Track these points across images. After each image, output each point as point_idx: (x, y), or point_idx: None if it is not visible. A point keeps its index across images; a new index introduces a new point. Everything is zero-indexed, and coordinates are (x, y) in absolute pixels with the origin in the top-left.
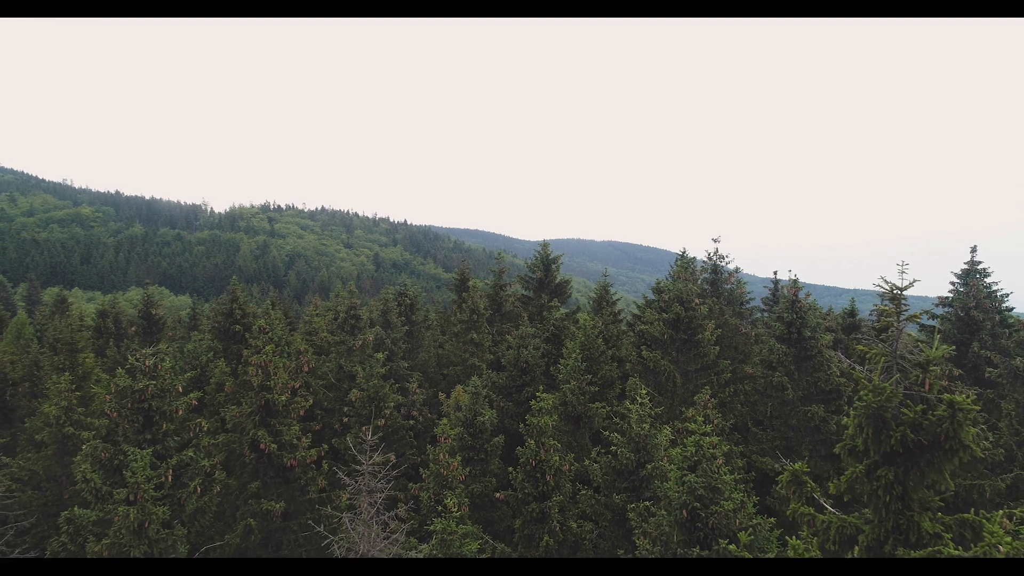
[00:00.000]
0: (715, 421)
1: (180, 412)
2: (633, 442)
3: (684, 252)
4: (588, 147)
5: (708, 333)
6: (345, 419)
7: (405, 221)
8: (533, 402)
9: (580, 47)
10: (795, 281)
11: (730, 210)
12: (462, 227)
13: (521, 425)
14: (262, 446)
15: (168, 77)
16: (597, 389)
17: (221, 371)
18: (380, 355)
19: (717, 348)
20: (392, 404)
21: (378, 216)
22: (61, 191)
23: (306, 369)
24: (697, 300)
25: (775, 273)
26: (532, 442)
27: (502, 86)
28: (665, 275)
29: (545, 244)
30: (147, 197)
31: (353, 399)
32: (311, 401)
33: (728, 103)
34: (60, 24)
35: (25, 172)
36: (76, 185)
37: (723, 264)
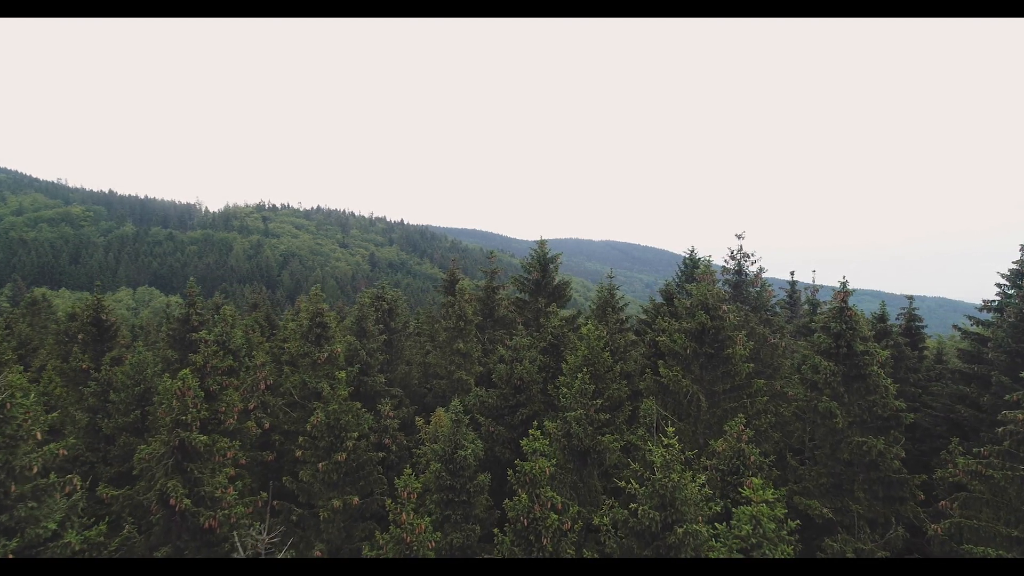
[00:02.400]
0: (752, 458)
1: (35, 469)
2: (657, 494)
3: (693, 251)
4: (586, 146)
5: (739, 347)
6: (299, 452)
7: (402, 221)
8: (525, 441)
9: (578, 47)
10: (844, 285)
11: (730, 210)
12: (460, 227)
13: (511, 472)
14: (172, 501)
15: (167, 77)
16: (607, 416)
17: (166, 389)
18: (342, 374)
19: (751, 365)
20: (356, 434)
21: (374, 216)
22: (53, 190)
23: (263, 386)
24: (724, 306)
25: (792, 274)
26: (524, 495)
27: (501, 85)
28: (671, 276)
29: (542, 242)
30: (141, 197)
31: (309, 427)
32: (268, 424)
33: (727, 103)
34: (59, 24)
35: (19, 171)
36: (71, 185)
37: (748, 264)
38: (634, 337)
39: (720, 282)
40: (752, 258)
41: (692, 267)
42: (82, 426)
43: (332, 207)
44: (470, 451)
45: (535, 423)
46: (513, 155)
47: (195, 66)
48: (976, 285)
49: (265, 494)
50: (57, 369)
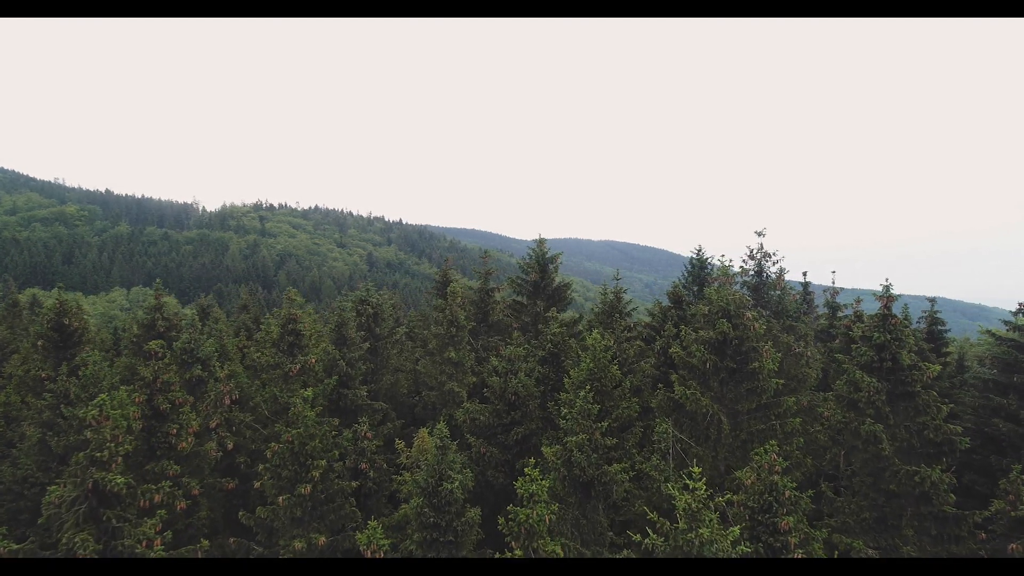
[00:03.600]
0: (788, 493)
1: None
2: (681, 551)
3: (700, 250)
4: (585, 146)
5: (767, 360)
6: (258, 483)
7: (400, 220)
8: (520, 482)
9: (577, 46)
10: (887, 289)
11: (729, 209)
12: (459, 226)
13: (502, 520)
14: (81, 556)
15: (169, 77)
16: (614, 441)
17: (121, 402)
18: (308, 392)
19: (779, 382)
20: (324, 462)
21: (373, 215)
22: (48, 189)
23: (228, 401)
24: (748, 313)
25: (804, 275)
26: (518, 550)
27: (500, 85)
28: (671, 276)
29: (540, 241)
30: (138, 196)
31: (269, 455)
32: (231, 445)
33: (726, 103)
34: (59, 24)
35: (15, 171)
36: (68, 184)
37: (769, 264)
38: (642, 345)
39: (737, 284)
40: (774, 258)
41: (700, 268)
42: (33, 443)
43: (330, 207)
44: (457, 484)
45: (532, 443)
46: (512, 155)
47: (197, 66)
48: (980, 285)
49: (207, 542)
50: (17, 378)
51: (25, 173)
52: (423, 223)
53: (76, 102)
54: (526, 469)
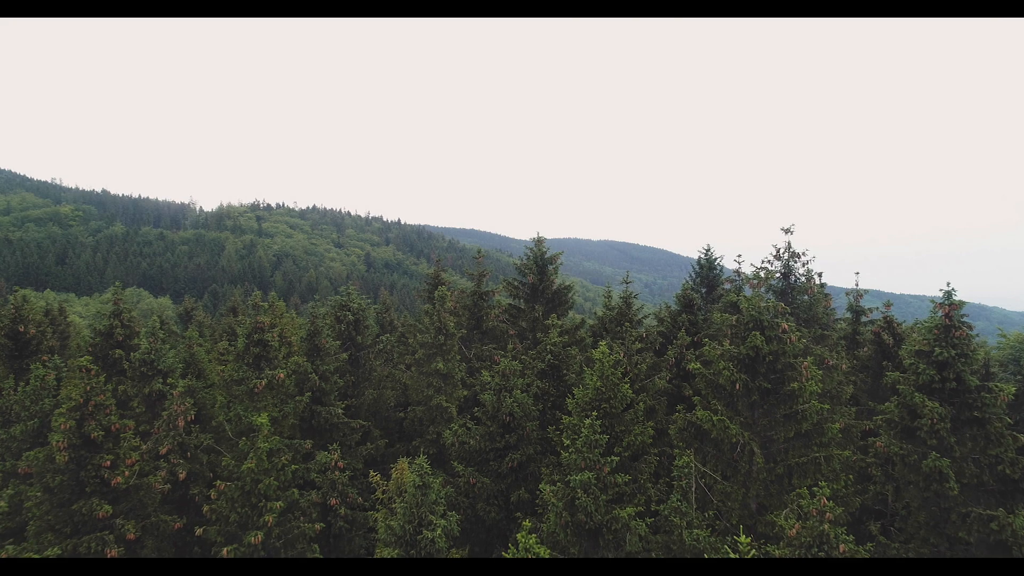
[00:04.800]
0: (843, 548)
1: None
2: None
3: (708, 250)
4: (585, 146)
5: (809, 381)
6: (200, 530)
7: (399, 220)
8: (511, 551)
9: (577, 47)
10: (949, 295)
11: (729, 209)
12: (457, 227)
13: (505, 551)
14: None
15: (167, 77)
16: (626, 479)
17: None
18: (263, 418)
19: (825, 407)
20: (280, 505)
21: (371, 215)
22: (44, 189)
23: (182, 423)
24: (785, 324)
25: (820, 276)
26: None
27: (500, 85)
28: (671, 276)
29: (539, 240)
30: (135, 197)
31: (214, 495)
32: (184, 474)
33: (725, 103)
34: (58, 24)
35: (11, 171)
36: (66, 185)
37: (797, 265)
38: (653, 357)
39: (761, 288)
40: (803, 258)
41: (708, 269)
42: None
43: (328, 207)
44: (440, 531)
45: (530, 471)
46: (511, 155)
47: (195, 67)
48: (980, 284)
49: None
50: None
51: (22, 173)
52: (422, 223)
53: (75, 103)
54: (519, 536)
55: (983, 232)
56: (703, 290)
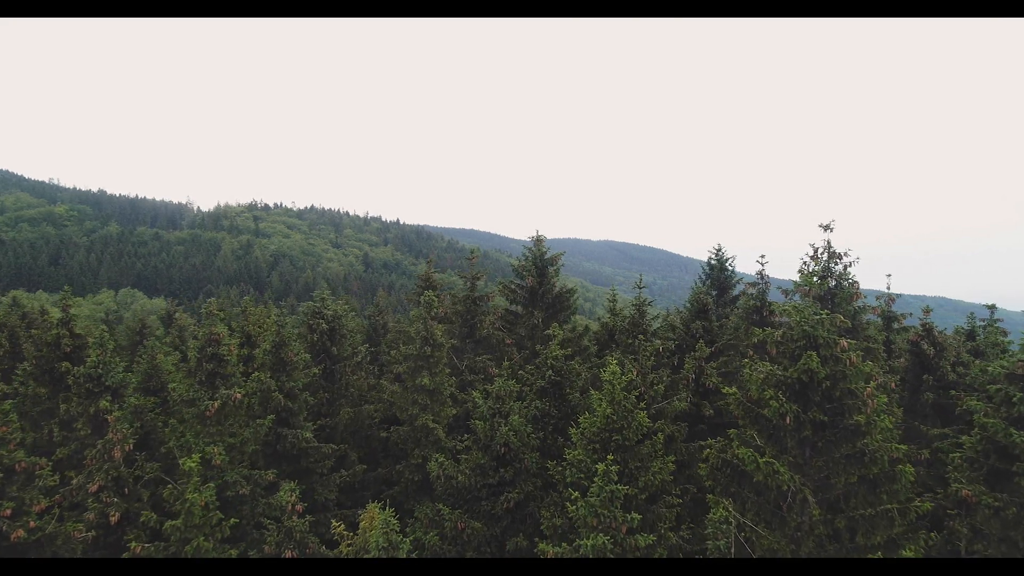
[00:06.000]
0: None
1: None
2: None
3: (720, 250)
4: (584, 146)
5: (882, 417)
6: None
7: (398, 220)
8: None
9: (576, 46)
10: None
11: (730, 209)
12: (457, 227)
13: None
14: None
15: (165, 77)
16: (652, 540)
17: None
18: (193, 460)
19: (903, 448)
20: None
21: (369, 215)
22: (40, 189)
23: (118, 454)
24: (843, 342)
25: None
26: None
27: (499, 85)
28: (671, 276)
29: (538, 239)
30: (132, 196)
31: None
32: (117, 516)
33: (724, 102)
34: (57, 24)
35: (8, 171)
36: (63, 184)
37: (838, 268)
38: (671, 375)
39: (797, 295)
40: (844, 259)
41: (719, 270)
42: None
43: (326, 207)
44: None
45: (528, 511)
46: (511, 155)
47: (193, 66)
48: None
49: None
50: None
51: (19, 173)
52: (421, 223)
53: (74, 103)
54: None
55: (983, 232)
56: (714, 293)
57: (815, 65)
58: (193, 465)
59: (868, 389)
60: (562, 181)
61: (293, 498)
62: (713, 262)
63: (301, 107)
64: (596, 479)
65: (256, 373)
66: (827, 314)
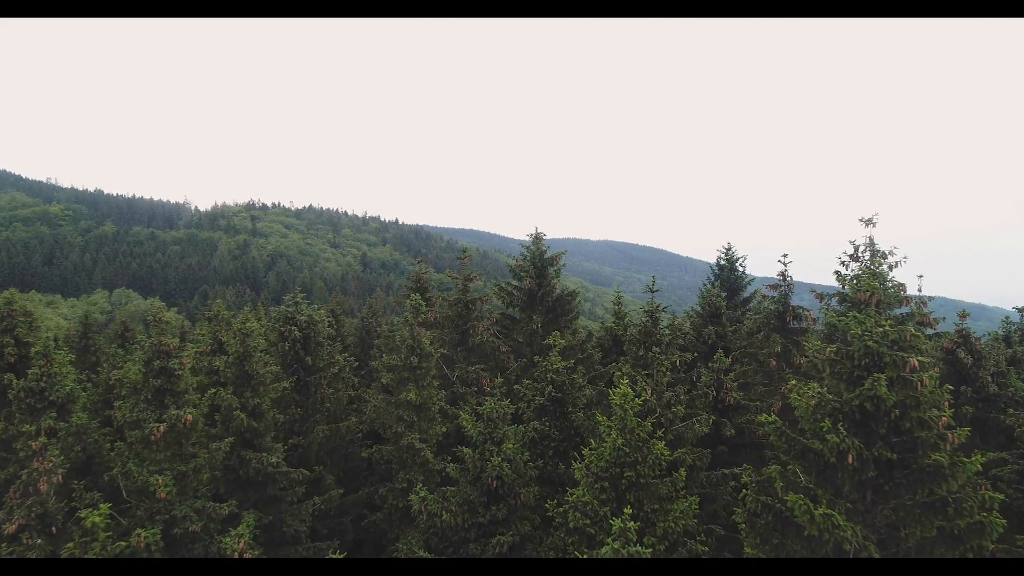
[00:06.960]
0: None
1: None
2: None
3: (729, 250)
4: (584, 146)
5: (971, 460)
6: None
7: (396, 220)
8: None
9: (576, 46)
10: None
11: (730, 209)
12: (456, 226)
13: None
14: None
15: (163, 77)
16: None
17: None
18: (96, 515)
19: (999, 497)
20: None
21: (368, 215)
22: (37, 189)
23: (45, 487)
24: (915, 360)
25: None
26: None
27: (498, 84)
28: (671, 277)
29: (537, 238)
30: (129, 196)
31: None
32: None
33: (724, 102)
34: (57, 24)
35: (5, 170)
36: (61, 184)
37: (883, 268)
38: (688, 391)
39: (833, 300)
40: (890, 259)
41: (730, 271)
42: None
43: (324, 206)
44: None
45: (525, 555)
46: (510, 154)
47: (192, 66)
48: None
49: None
50: None
51: (16, 173)
52: (420, 223)
53: (72, 102)
54: None
55: (983, 232)
56: (723, 295)
57: (812, 64)
58: (97, 520)
59: (944, 419)
60: (562, 181)
61: (242, 543)
62: (723, 262)
63: (299, 106)
64: (609, 540)
65: (213, 390)
66: (893, 327)
